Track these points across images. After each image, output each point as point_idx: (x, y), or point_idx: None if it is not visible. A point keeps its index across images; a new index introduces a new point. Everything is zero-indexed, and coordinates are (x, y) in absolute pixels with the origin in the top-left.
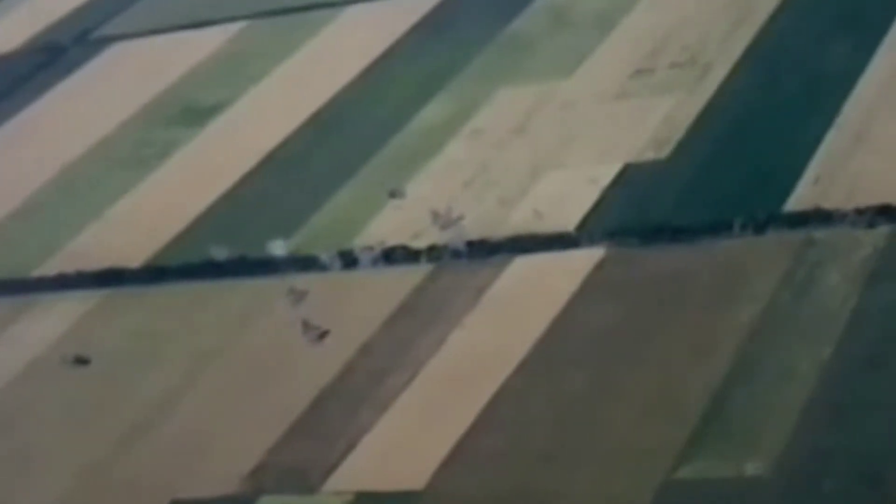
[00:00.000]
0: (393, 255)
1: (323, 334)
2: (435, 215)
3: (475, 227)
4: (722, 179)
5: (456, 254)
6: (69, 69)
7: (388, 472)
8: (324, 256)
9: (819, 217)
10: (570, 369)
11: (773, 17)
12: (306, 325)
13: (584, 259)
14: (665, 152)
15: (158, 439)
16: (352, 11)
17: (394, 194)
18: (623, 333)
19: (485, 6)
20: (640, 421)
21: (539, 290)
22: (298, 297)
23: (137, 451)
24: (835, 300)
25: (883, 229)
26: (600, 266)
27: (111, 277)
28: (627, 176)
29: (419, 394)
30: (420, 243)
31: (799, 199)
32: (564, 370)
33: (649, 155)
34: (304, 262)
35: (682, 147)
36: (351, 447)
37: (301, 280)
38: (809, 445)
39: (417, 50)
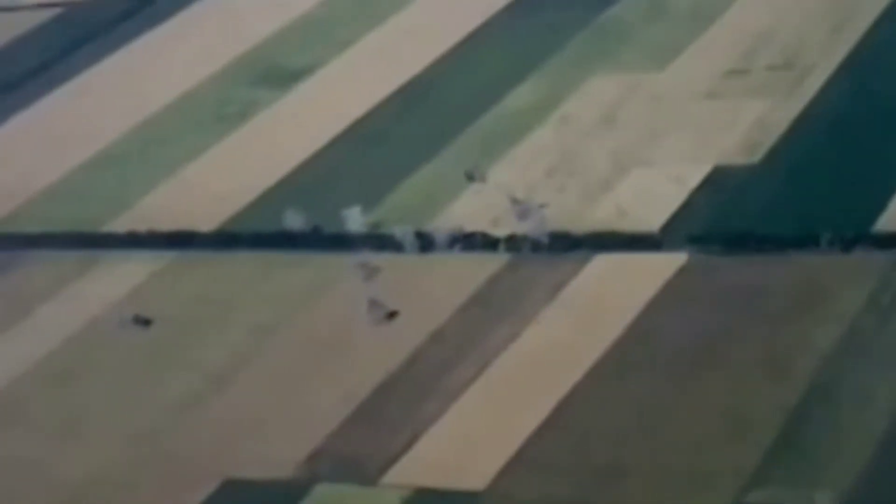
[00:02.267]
0: (471, 241)
1: (391, 314)
2: (514, 202)
3: (556, 218)
4: (812, 190)
5: (536, 246)
6: (157, 19)
7: (450, 469)
8: (400, 235)
9: None
10: (642, 378)
11: (876, 25)
12: (373, 304)
13: (666, 263)
14: (756, 157)
15: (213, 413)
16: None
17: (471, 176)
18: (699, 344)
19: None
20: (710, 438)
21: (618, 291)
22: (369, 273)
23: (190, 424)
24: None
25: None
26: (682, 272)
27: (182, 240)
28: (715, 178)
29: (487, 389)
30: (500, 231)
31: (891, 218)
32: (636, 378)
33: (739, 159)
34: (379, 240)
35: (774, 153)
36: (413, 439)
37: (374, 258)
38: (883, 479)
39: (510, 29)
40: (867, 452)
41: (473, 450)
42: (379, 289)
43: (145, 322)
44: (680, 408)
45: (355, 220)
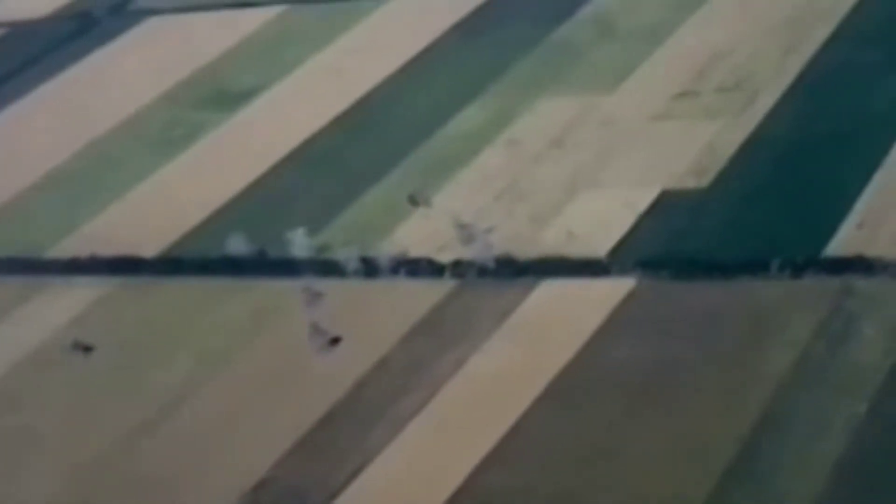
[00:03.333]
0: (416, 267)
1: (335, 340)
2: (460, 227)
3: (503, 243)
4: (761, 215)
5: (482, 271)
6: (101, 40)
7: (397, 500)
8: (344, 260)
9: (861, 265)
10: (592, 406)
11: (826, 47)
12: (316, 329)
13: (614, 289)
14: (705, 181)
15: (161, 442)
16: (395, 4)
17: (414, 201)
18: (649, 372)
19: (530, 10)
20: (661, 466)
21: (565, 318)
22: (312, 298)
23: (135, 454)
24: (872, 354)
25: None
26: (630, 297)
27: (125, 265)
28: (664, 203)
29: (435, 418)
30: (445, 256)
31: (840, 243)
32: (585, 406)
33: (689, 182)
34: (324, 265)
35: (723, 177)
36: (360, 469)
37: (319, 284)
38: None
39: (457, 51)
40: (823, 479)
41: (421, 480)
42: (322, 314)
43: (86, 349)
44: (630, 436)
45: (300, 242)
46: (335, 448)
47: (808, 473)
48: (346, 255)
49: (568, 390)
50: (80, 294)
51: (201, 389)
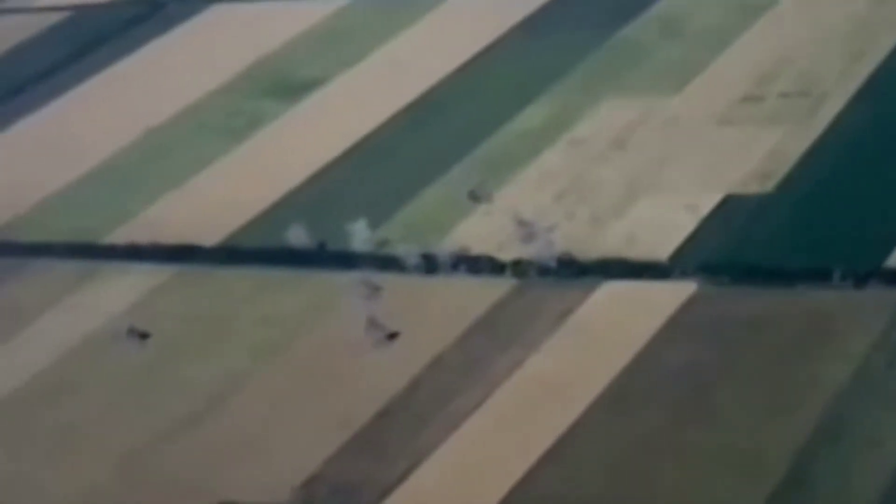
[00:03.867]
0: (476, 264)
1: (392, 336)
2: (521, 225)
3: (564, 243)
4: (825, 222)
5: (543, 271)
6: (164, 26)
7: (449, 500)
8: (404, 255)
9: None
10: (646, 411)
11: (893, 54)
12: (373, 324)
13: (675, 293)
14: (769, 186)
15: (208, 434)
16: (459, 0)
17: (476, 197)
18: (705, 378)
19: (596, 9)
20: (713, 476)
21: (625, 320)
22: (371, 292)
23: (185, 444)
24: None
25: None
26: (690, 302)
27: (183, 253)
28: (727, 207)
29: (489, 418)
30: (506, 255)
31: None
32: (640, 411)
33: (752, 187)
34: (383, 260)
35: (787, 183)
36: (411, 469)
37: (378, 278)
38: None
39: (522, 48)
40: (876, 494)
41: (473, 481)
42: (380, 309)
43: (142, 335)
44: (683, 443)
45: (361, 235)
46: (388, 446)
47: (862, 486)
48: (406, 250)
49: (624, 395)
50: (136, 281)
51: (253, 382)
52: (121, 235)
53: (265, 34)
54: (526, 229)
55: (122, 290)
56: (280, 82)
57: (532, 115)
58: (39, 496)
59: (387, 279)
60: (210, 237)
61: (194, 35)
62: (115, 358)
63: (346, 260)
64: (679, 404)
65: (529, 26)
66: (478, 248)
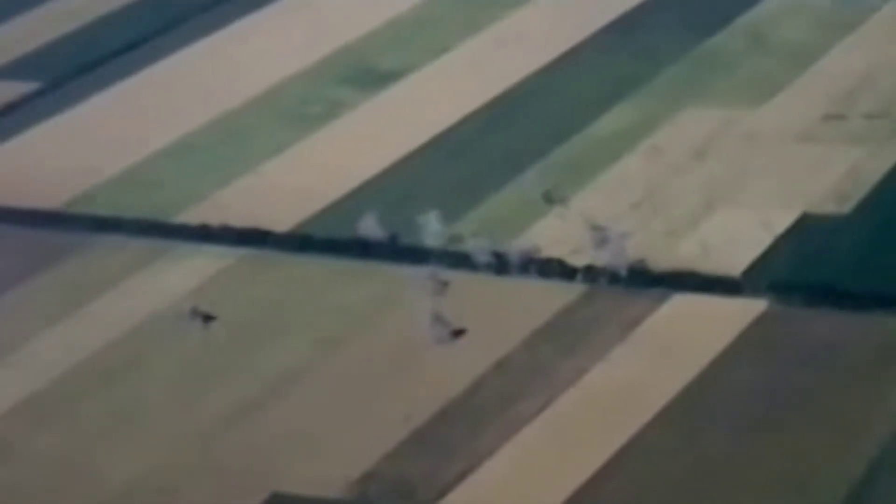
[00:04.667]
0: (548, 267)
1: (457, 333)
2: (594, 230)
3: (637, 252)
4: None
5: (614, 278)
6: (247, 8)
7: None
8: (475, 253)
9: None
10: (709, 428)
11: None
12: (438, 320)
13: (745, 309)
14: (846, 207)
15: (267, 424)
16: None
17: (550, 198)
18: (771, 398)
19: (683, 15)
20: (769, 497)
21: (692, 335)
22: (439, 287)
23: (242, 433)
24: None
25: None
26: (760, 320)
27: (254, 238)
28: (803, 226)
29: (550, 425)
30: (578, 260)
31: None
32: (703, 428)
33: (829, 207)
34: (454, 256)
35: (866, 205)
36: (469, 470)
37: (447, 274)
38: None
39: (607, 51)
40: None
41: (531, 486)
42: (447, 305)
43: (206, 317)
44: (743, 462)
45: (432, 228)
46: (447, 445)
47: None
48: (478, 247)
49: (687, 410)
50: (204, 263)
51: (314, 372)
52: (192, 216)
53: (349, 22)
54: (599, 234)
55: (189, 271)
56: (361, 71)
57: (613, 120)
58: (91, 475)
59: (456, 276)
60: (281, 223)
61: (276, 19)
62: (177, 339)
63: (417, 254)
64: (742, 424)
65: (616, 29)
66: (550, 250)
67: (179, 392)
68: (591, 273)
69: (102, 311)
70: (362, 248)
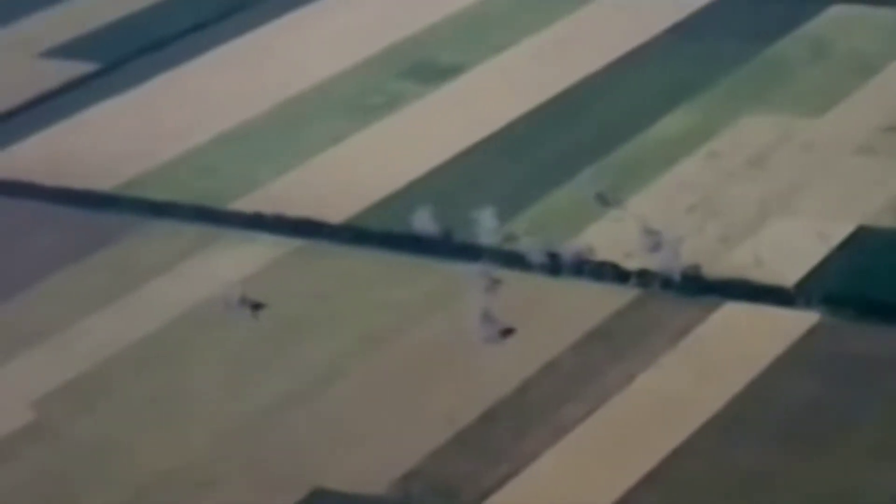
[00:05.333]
0: (601, 270)
1: (506, 332)
2: (648, 233)
3: (690, 257)
4: None
5: (666, 283)
6: None
7: None
8: (529, 252)
9: None
10: (757, 440)
11: None
12: (488, 318)
13: (797, 321)
14: None
15: (310, 418)
16: None
17: (604, 200)
18: (820, 413)
19: (747, 22)
20: None
21: (743, 345)
22: (491, 284)
23: (285, 426)
24: None
25: None
26: (811, 333)
27: (308, 228)
28: (859, 239)
29: (597, 430)
30: (632, 264)
31: None
32: (749, 441)
33: (886, 221)
34: (507, 255)
35: None
36: (513, 473)
37: (499, 272)
38: None
39: (669, 54)
40: None
41: (576, 491)
42: (497, 303)
43: (254, 306)
44: (787, 476)
45: (487, 223)
46: (492, 447)
47: None
48: (531, 247)
49: (735, 420)
50: (257, 251)
51: (361, 367)
52: (246, 203)
53: (413, 14)
54: (653, 238)
55: (241, 259)
56: (422, 64)
57: (672, 123)
58: (130, 461)
59: (509, 275)
60: (335, 215)
61: (336, 9)
62: (225, 328)
63: (470, 251)
64: (789, 438)
65: (680, 31)
66: (604, 253)
67: (224, 382)
68: (644, 277)
69: (152, 295)
70: (415, 244)
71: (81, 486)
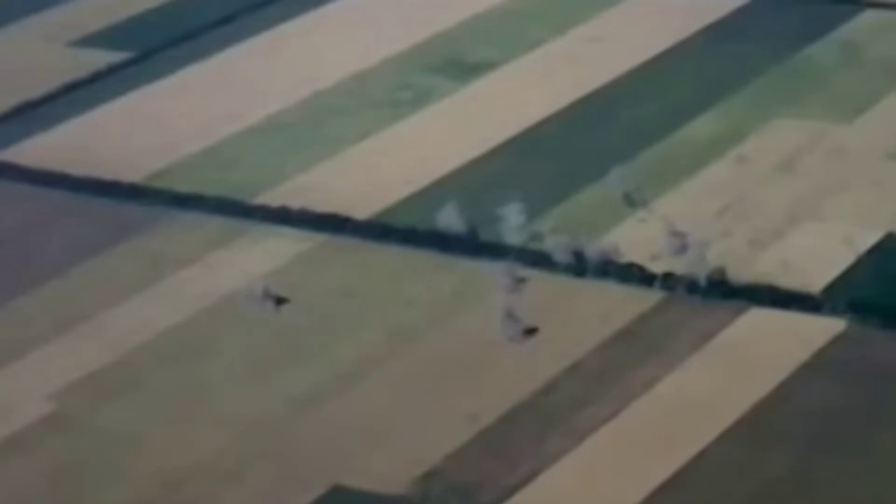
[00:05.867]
0: (627, 272)
1: (529, 331)
2: (674, 235)
3: (717, 260)
4: None
5: (692, 287)
6: None
7: None
8: (554, 252)
9: None
10: (778, 447)
11: None
12: (511, 315)
13: (823, 328)
14: None
15: (332, 414)
16: None
17: (630, 200)
18: (843, 421)
19: (779, 25)
20: None
21: (768, 351)
22: (515, 283)
23: (307, 422)
24: None
25: None
26: (837, 340)
27: (334, 223)
28: (887, 246)
29: (619, 433)
30: (658, 267)
31: None
32: (772, 446)
33: None
34: (533, 255)
35: None
36: (534, 475)
37: (524, 271)
38: None
39: (702, 54)
40: None
41: (596, 494)
42: (521, 302)
43: (278, 300)
44: (810, 486)
45: (513, 219)
46: (512, 448)
47: None
48: (557, 246)
49: (757, 427)
50: (282, 245)
51: (384, 365)
52: (272, 197)
53: (445, 9)
54: (679, 240)
55: (266, 253)
56: (453, 60)
57: (702, 126)
58: (153, 454)
59: (534, 274)
60: (362, 210)
61: (373, 2)
62: (250, 322)
63: (496, 250)
64: (812, 446)
65: (713, 33)
66: (630, 254)
67: (248, 376)
68: (669, 280)
69: (177, 288)
70: (441, 241)
71: (100, 479)
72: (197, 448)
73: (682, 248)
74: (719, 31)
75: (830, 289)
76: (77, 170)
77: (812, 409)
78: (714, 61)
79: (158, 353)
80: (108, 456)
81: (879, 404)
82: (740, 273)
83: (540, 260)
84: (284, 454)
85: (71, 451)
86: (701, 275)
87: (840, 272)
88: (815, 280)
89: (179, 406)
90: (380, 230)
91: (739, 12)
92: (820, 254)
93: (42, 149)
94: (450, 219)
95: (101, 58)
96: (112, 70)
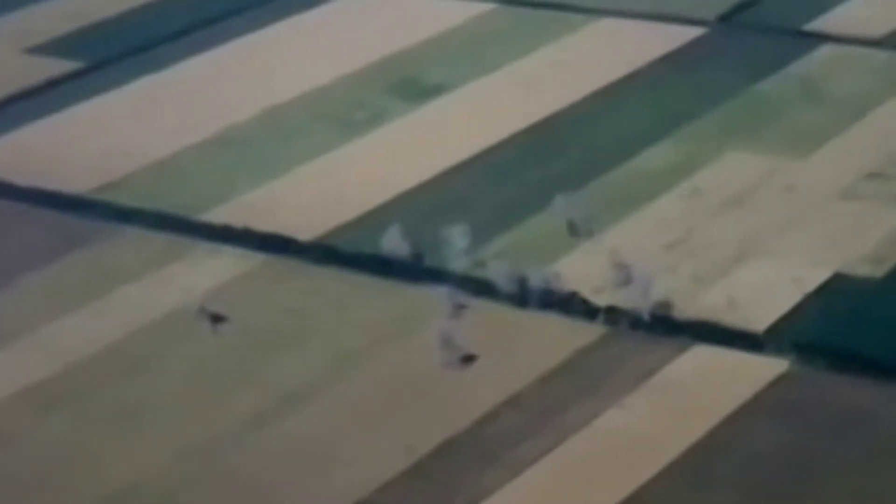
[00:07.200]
0: (569, 304)
1: (467, 358)
2: (618, 267)
3: (662, 295)
4: None
5: (636, 322)
6: (304, 5)
7: None
8: (497, 281)
9: None
10: (716, 488)
11: None
12: (448, 343)
13: (766, 368)
14: (881, 271)
15: (274, 437)
16: (605, 23)
17: (574, 230)
18: (784, 465)
19: (740, 56)
20: None
21: (709, 389)
22: (455, 309)
23: (248, 443)
24: None
25: None
26: (780, 381)
27: (277, 244)
28: (834, 287)
29: (556, 468)
30: (601, 300)
31: None
32: (711, 489)
33: (863, 269)
34: (476, 283)
35: None
36: None
37: (468, 300)
38: None
39: (658, 84)
40: None
41: None
42: (461, 329)
43: (214, 318)
44: None
45: (458, 241)
46: (448, 481)
47: None
48: (499, 274)
49: (696, 468)
50: (223, 264)
51: (326, 390)
52: (219, 214)
53: (405, 29)
54: (623, 273)
55: (209, 271)
56: (410, 81)
57: (656, 156)
58: (93, 470)
59: (476, 302)
60: (307, 232)
61: (330, 19)
62: (192, 340)
63: (439, 275)
64: (752, 489)
65: (669, 63)
66: (574, 285)
67: (190, 395)
68: (612, 315)
69: (120, 303)
70: (384, 266)
71: (37, 493)
72: (136, 466)
73: (627, 281)
74: (677, 61)
75: (775, 328)
76: (24, 179)
77: (752, 451)
78: (672, 90)
79: (103, 368)
80: (50, 469)
81: (821, 447)
82: (685, 308)
83: (482, 288)
84: (223, 475)
85: (12, 465)
86: (645, 309)
87: (786, 311)
88: (760, 319)
89: (122, 421)
90: (322, 252)
91: (698, 42)
92: (766, 292)
93: None
94: (394, 243)
95: (56, 66)
96: (66, 78)
